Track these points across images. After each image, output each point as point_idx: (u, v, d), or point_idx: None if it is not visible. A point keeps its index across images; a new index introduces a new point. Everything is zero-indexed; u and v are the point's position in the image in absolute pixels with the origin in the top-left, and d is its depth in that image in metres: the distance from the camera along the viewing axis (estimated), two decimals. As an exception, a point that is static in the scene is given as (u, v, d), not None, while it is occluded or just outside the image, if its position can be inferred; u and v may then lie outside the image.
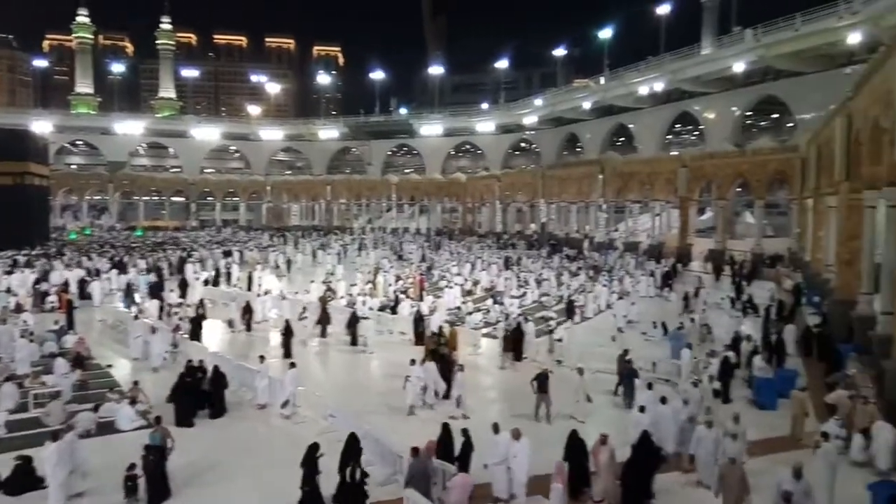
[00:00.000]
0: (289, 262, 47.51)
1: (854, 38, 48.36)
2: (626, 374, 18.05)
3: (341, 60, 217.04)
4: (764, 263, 42.91)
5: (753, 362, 19.56)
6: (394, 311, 28.90)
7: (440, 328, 23.67)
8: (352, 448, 11.87)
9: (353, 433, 12.23)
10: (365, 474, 11.77)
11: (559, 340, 23.62)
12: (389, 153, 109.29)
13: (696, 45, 69.55)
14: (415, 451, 11.74)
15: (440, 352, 20.00)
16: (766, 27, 57.42)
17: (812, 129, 40.31)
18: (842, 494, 11.90)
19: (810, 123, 48.58)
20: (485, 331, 26.49)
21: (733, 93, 66.09)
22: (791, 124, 62.03)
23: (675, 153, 63.50)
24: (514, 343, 22.72)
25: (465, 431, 12.94)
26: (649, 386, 16.25)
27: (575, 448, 12.40)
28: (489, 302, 31.31)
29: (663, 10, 77.10)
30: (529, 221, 74.01)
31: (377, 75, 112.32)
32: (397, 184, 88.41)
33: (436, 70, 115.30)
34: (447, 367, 18.25)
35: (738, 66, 60.52)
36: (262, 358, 18.39)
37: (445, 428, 13.08)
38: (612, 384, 18.83)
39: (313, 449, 11.96)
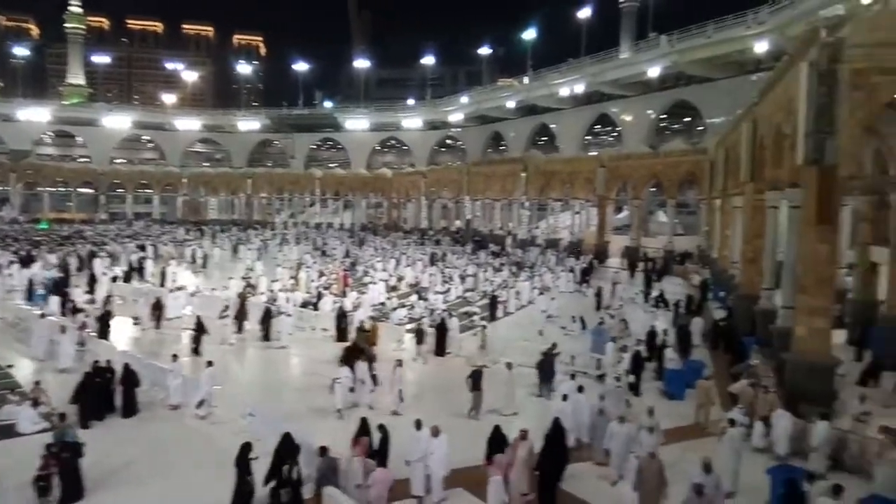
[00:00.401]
0: (205, 258, 45.87)
1: (761, 47, 51.28)
2: (545, 365, 18.63)
3: (263, 50, 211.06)
4: (675, 260, 44.89)
5: (665, 354, 20.47)
6: (315, 307, 28.45)
7: (361, 323, 23.52)
8: (288, 447, 11.61)
9: (287, 433, 11.91)
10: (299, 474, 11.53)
11: (474, 335, 23.92)
12: (313, 147, 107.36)
13: (615, 49, 71.96)
14: (322, 449, 11.60)
15: (359, 346, 19.97)
16: (681, 34, 60.00)
17: (721, 133, 42.44)
18: (744, 479, 12.62)
19: (719, 127, 51.12)
20: (409, 326, 26.44)
21: (649, 96, 68.76)
22: (701, 128, 65.17)
23: (595, 153, 65.47)
24: (437, 338, 22.91)
25: (381, 427, 12.85)
26: (572, 376, 17.01)
27: (497, 443, 12.55)
28: (413, 298, 31.31)
29: (584, 13, 79.23)
30: (454, 218, 74.51)
31: (301, 67, 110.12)
32: (321, 178, 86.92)
33: (361, 64, 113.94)
34: (370, 363, 18.30)
35: (654, 71, 63.02)
36: (175, 357, 17.67)
37: (363, 423, 12.98)
38: (536, 378, 19.22)
39: (246, 448, 11.61)
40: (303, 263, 41.41)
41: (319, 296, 29.88)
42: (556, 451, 12.45)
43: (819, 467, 12.82)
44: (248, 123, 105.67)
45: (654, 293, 33.29)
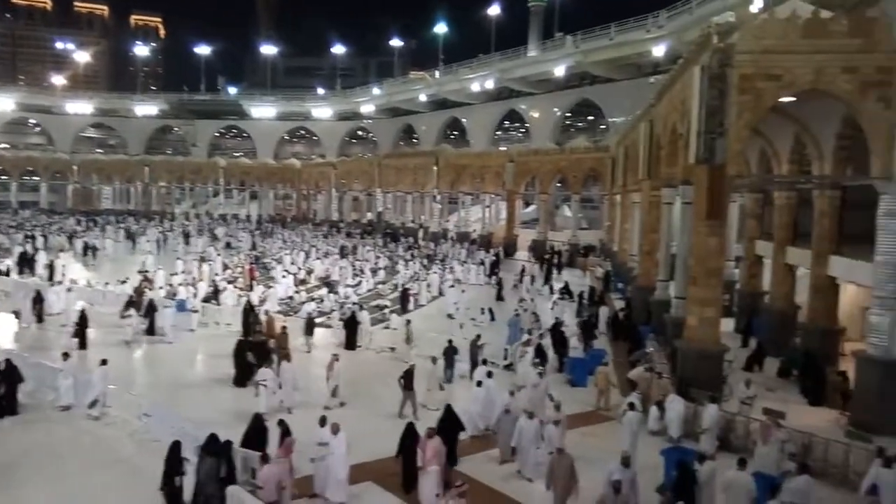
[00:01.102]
0: (94, 250, 43.24)
1: (659, 51, 53.86)
2: (448, 352, 19.17)
3: (162, 32, 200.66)
4: (579, 253, 46.63)
5: (571, 343, 21.22)
6: (216, 301, 27.50)
7: (256, 315, 22.84)
8: (176, 456, 11.13)
9: (176, 441, 11.42)
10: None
11: (389, 328, 23.92)
12: (217, 135, 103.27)
13: (524, 47, 73.49)
14: (203, 449, 11.05)
15: (256, 339, 19.77)
16: (585, 35, 62.07)
17: (621, 132, 44.35)
18: (641, 460, 13.27)
19: (620, 126, 53.37)
20: (318, 320, 26.06)
21: (555, 94, 70.82)
22: (604, 126, 67.86)
23: (504, 148, 66.74)
24: (347, 332, 22.74)
25: (281, 422, 12.58)
26: (484, 361, 18.06)
27: (409, 441, 12.49)
28: (323, 291, 30.85)
29: (494, 11, 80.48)
30: (366, 210, 73.93)
31: (203, 51, 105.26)
32: (226, 167, 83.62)
33: (268, 50, 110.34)
34: (264, 355, 18.38)
35: (560, 70, 64.93)
36: (65, 355, 16.54)
37: (257, 418, 12.74)
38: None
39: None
40: (205, 257, 39.82)
41: (217, 290, 28.89)
42: (448, 432, 12.80)
43: (708, 448, 13.69)
44: (146, 108, 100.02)
45: (557, 285, 34.40)
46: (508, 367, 19.90)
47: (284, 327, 20.72)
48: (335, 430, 11.96)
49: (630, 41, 57.09)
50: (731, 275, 28.60)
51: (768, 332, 22.92)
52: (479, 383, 15.66)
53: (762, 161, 25.70)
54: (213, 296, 28.21)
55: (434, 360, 17.81)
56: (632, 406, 14.41)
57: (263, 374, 16.21)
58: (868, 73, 15.48)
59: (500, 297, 32.56)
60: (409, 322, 23.16)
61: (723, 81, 16.22)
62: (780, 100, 16.95)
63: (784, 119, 20.37)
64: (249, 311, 24.14)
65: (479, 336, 20.64)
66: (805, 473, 11.09)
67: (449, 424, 13.23)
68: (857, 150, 18.25)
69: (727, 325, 22.94)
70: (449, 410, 13.58)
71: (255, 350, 18.75)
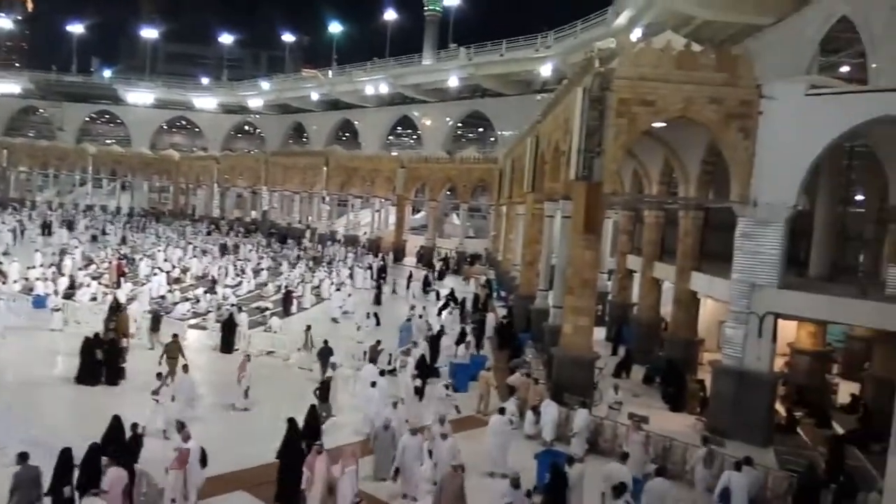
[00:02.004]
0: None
1: (546, 70, 56.18)
2: (323, 352, 19.28)
3: (30, 4, 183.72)
4: (466, 261, 47.57)
5: (457, 351, 21.45)
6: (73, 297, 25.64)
7: (111, 310, 21.70)
8: (66, 465, 10.32)
9: (67, 448, 10.51)
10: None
11: (271, 331, 23.20)
12: (87, 119, 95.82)
13: (419, 54, 74.11)
14: (22, 456, 10.12)
15: (107, 337, 18.86)
16: (478, 48, 63.57)
17: (509, 145, 45.77)
18: (517, 464, 13.66)
19: (508, 139, 55.09)
20: (192, 321, 24.85)
21: (448, 104, 71.97)
22: (493, 138, 69.74)
23: (396, 154, 66.86)
24: (224, 334, 21.84)
25: (134, 426, 11.93)
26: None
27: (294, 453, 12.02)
28: (199, 291, 29.40)
29: (390, 16, 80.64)
30: (250, 208, 71.34)
31: (75, 28, 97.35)
32: (95, 155, 77.48)
33: (149, 33, 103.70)
34: (116, 355, 17.94)
35: (453, 81, 66.08)
36: None
37: (116, 420, 12.02)
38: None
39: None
40: (66, 250, 36.81)
41: (73, 285, 26.95)
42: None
43: (578, 451, 14.36)
44: (6, 86, 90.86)
45: (443, 291, 34.81)
46: (392, 371, 19.89)
47: (176, 336, 19.17)
48: (186, 437, 11.39)
49: (519, 58, 59.12)
50: (605, 286, 30.23)
51: (636, 341, 24.44)
52: (373, 383, 15.65)
53: (635, 181, 27.42)
54: (70, 290, 26.17)
55: (333, 366, 17.72)
56: (501, 411, 14.73)
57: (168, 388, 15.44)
58: (731, 105, 16.94)
59: (377, 301, 32.47)
60: (308, 328, 22.43)
61: (602, 104, 17.15)
62: (653, 125, 18.18)
63: (656, 143, 21.86)
64: (115, 310, 22.60)
65: (379, 341, 20.77)
66: (662, 476, 11.88)
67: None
68: (719, 175, 19.93)
69: (599, 333, 24.21)
70: (311, 409, 13.78)
71: (106, 348, 17.88)
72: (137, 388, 16.75)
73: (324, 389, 15.99)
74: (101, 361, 17.52)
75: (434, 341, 21.86)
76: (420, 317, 25.83)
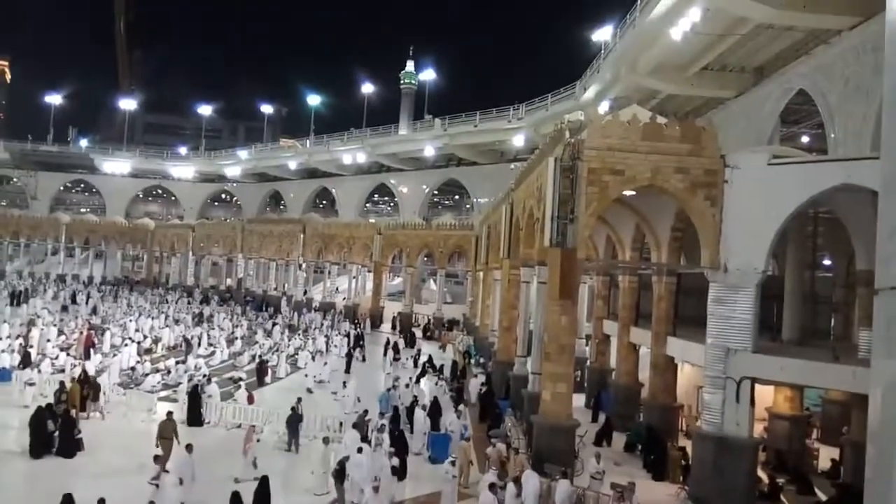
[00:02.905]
0: None
1: (518, 140, 57.84)
2: (293, 420, 19.25)
3: (8, 75, 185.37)
4: (444, 327, 47.36)
5: (442, 422, 20.84)
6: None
7: (61, 383, 20.98)
8: None
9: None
10: None
11: (235, 402, 22.51)
12: (62, 188, 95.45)
13: (395, 124, 75.95)
14: None
15: (59, 409, 18.42)
16: (452, 119, 65.40)
17: (485, 212, 46.45)
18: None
19: (484, 207, 55.96)
20: (163, 393, 24.17)
21: (424, 172, 73.32)
22: (469, 205, 70.81)
23: (373, 221, 67.40)
24: (190, 405, 21.22)
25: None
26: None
27: None
28: (170, 362, 28.70)
29: (367, 88, 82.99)
30: (225, 276, 70.69)
31: (53, 99, 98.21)
32: (69, 224, 76.80)
33: (127, 104, 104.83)
34: (70, 426, 17.55)
35: (429, 150, 67.61)
36: None
37: (66, 499, 11.93)
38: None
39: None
40: (34, 321, 35.92)
41: (27, 355, 26.18)
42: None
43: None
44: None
45: (422, 359, 34.41)
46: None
47: (170, 413, 18.21)
48: None
49: (492, 129, 60.86)
50: (583, 352, 30.20)
51: (615, 408, 24.25)
52: (360, 449, 15.74)
53: (609, 247, 27.88)
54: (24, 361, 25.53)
55: (326, 440, 17.25)
56: (492, 487, 14.34)
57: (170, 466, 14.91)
58: (697, 174, 17.51)
59: (347, 370, 31.77)
60: (299, 400, 21.02)
61: (574, 173, 17.63)
62: (624, 192, 18.68)
63: (627, 210, 22.39)
64: (84, 382, 21.95)
65: (366, 411, 20.64)
66: None
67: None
68: (689, 241, 20.38)
69: (579, 400, 24.00)
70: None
71: (58, 420, 17.57)
72: (97, 460, 16.81)
73: (340, 471, 15.23)
74: (52, 432, 17.21)
75: (410, 413, 21.40)
76: (407, 386, 25.33)
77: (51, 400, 19.82)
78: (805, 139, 35.53)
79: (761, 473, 18.27)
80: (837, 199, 17.10)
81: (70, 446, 17.27)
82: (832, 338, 22.52)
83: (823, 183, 15.98)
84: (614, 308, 27.51)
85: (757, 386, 16.91)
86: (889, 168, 3.26)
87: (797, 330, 20.75)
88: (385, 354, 35.39)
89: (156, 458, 15.69)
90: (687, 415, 23.16)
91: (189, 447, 15.22)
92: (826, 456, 20.94)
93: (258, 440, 18.17)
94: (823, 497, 17.48)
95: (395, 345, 37.72)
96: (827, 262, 28.63)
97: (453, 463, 15.83)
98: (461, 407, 22.46)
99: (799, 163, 17.66)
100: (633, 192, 19.18)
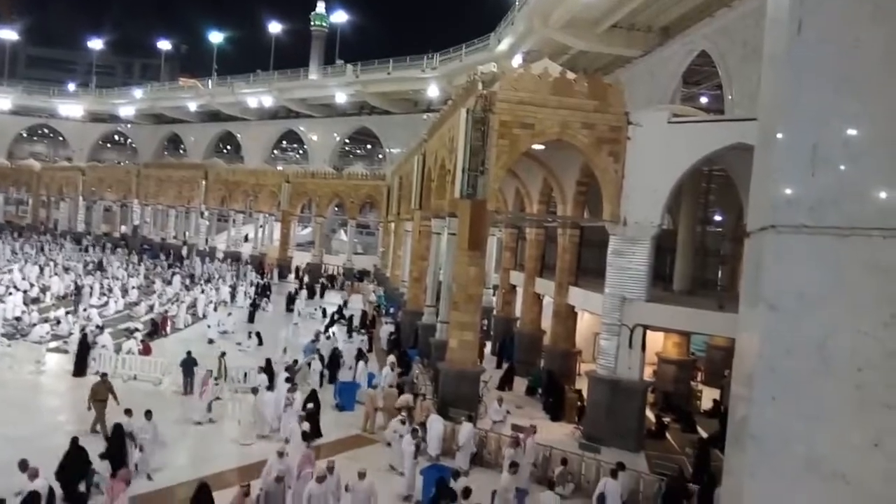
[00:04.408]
0: None
1: (432, 91, 57.20)
2: (187, 364, 19.41)
3: None
4: (354, 278, 47.16)
5: (358, 367, 21.17)
6: None
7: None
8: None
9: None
10: None
11: (128, 353, 21.70)
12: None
13: (305, 69, 72.98)
14: None
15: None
16: (365, 66, 63.63)
17: (397, 163, 46.06)
18: (400, 480, 13.63)
19: (396, 157, 55.46)
20: (53, 344, 22.87)
21: (335, 120, 71.32)
22: (381, 155, 69.88)
23: (281, 168, 65.28)
24: (78, 355, 20.43)
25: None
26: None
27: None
28: (60, 312, 27.09)
29: (275, 28, 78.94)
30: (119, 223, 66.83)
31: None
32: (-60, 164, 70.05)
33: (7, 34, 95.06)
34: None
35: (340, 97, 65.64)
36: None
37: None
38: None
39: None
40: None
41: None
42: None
43: (463, 464, 14.54)
44: None
45: (330, 309, 34.25)
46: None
47: (104, 375, 16.91)
48: (33, 475, 10.44)
49: (406, 77, 59.76)
50: (490, 302, 30.98)
51: (519, 355, 25.19)
52: (269, 388, 16.98)
53: (517, 199, 28.43)
54: None
55: (255, 391, 17.20)
56: (415, 431, 14.59)
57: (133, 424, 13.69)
58: (602, 130, 18.02)
59: (251, 320, 31.49)
60: (223, 354, 20.76)
61: (485, 125, 17.69)
62: (533, 146, 18.99)
63: (536, 164, 22.83)
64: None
65: (296, 360, 21.02)
66: (550, 490, 12.27)
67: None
68: (593, 195, 21.09)
69: (486, 348, 24.75)
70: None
71: None
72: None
73: (314, 423, 15.63)
74: None
75: (333, 357, 21.75)
76: (328, 338, 25.21)
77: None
78: (704, 100, 37.25)
79: (650, 413, 19.64)
80: (730, 157, 18.12)
81: None
82: (719, 288, 24.16)
83: (718, 142, 16.83)
84: (521, 259, 28.28)
85: (648, 332, 18.01)
86: (765, 120, 3.47)
87: (688, 281, 22.11)
88: (293, 305, 34.94)
89: (95, 424, 15.20)
90: (584, 360, 24.41)
91: (148, 413, 13.99)
92: (709, 397, 22.74)
93: (216, 384, 18.14)
94: (705, 434, 19.01)
95: (289, 294, 37.37)
96: (718, 217, 30.48)
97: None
98: (369, 355, 22.67)
99: (697, 122, 18.55)
100: (542, 146, 19.53)
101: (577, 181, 21.94)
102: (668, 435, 19.09)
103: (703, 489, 13.08)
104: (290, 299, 36.34)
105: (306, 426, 15.14)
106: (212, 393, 17.30)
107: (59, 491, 11.01)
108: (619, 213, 17.90)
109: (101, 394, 15.81)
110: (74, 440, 12.37)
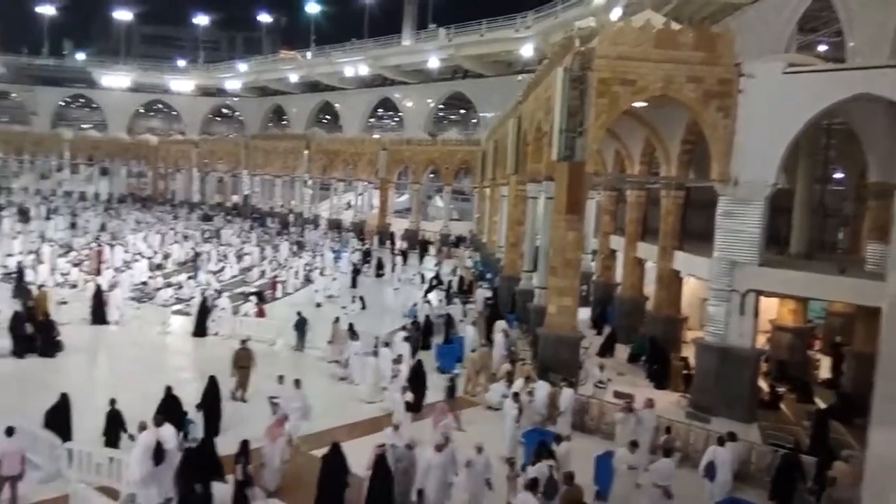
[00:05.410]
0: None
1: (527, 50, 55.79)
2: (299, 325, 21.13)
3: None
4: (450, 244, 47.62)
5: (467, 331, 21.44)
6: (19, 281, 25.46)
7: (28, 290, 22.81)
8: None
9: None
10: None
11: (245, 315, 23.15)
12: (62, 104, 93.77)
13: (398, 35, 73.19)
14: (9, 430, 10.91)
15: (37, 311, 19.84)
16: (458, 29, 62.94)
17: (491, 127, 45.62)
18: (502, 444, 13.81)
19: (490, 121, 54.87)
20: (176, 307, 24.71)
21: (428, 86, 71.28)
22: (475, 120, 69.40)
23: (377, 136, 66.39)
24: (199, 318, 22.06)
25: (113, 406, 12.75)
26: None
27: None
28: (181, 277, 29.16)
29: (369, -5, 79.35)
30: (231, 193, 70.61)
31: (46, 10, 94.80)
32: (72, 140, 76.23)
33: (122, 15, 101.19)
34: (47, 332, 18.90)
35: (433, 62, 65.40)
36: None
37: (63, 397, 12.74)
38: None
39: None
40: (47, 236, 36.32)
41: (21, 273, 26.25)
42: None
43: (565, 430, 14.51)
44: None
45: (428, 274, 34.82)
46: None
47: (245, 342, 17.35)
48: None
49: (500, 39, 58.57)
50: (589, 267, 30.40)
51: (620, 321, 24.66)
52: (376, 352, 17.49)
53: (617, 161, 27.50)
54: (18, 275, 26.02)
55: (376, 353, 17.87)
56: (516, 396, 14.66)
57: (283, 392, 14.18)
58: (711, 83, 16.97)
59: (354, 285, 32.48)
60: (337, 319, 21.10)
61: (583, 84, 17.11)
62: (634, 104, 18.19)
63: (637, 123, 21.90)
64: (98, 297, 22.55)
65: (415, 320, 22.52)
66: (669, 457, 12.05)
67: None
68: (700, 154, 20.04)
69: (584, 313, 24.38)
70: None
71: (34, 322, 19.16)
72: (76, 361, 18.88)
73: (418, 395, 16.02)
74: (31, 335, 18.68)
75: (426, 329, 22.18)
76: (427, 303, 25.51)
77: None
78: (822, 48, 34.21)
79: (762, 383, 18.76)
80: (853, 109, 16.66)
81: (50, 347, 18.76)
82: (840, 251, 22.51)
83: (840, 93, 15.54)
84: (621, 223, 27.44)
85: (761, 299, 17.08)
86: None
87: (805, 243, 20.72)
88: (392, 270, 35.80)
89: (234, 394, 15.97)
90: (690, 327, 23.55)
91: (297, 382, 14.27)
92: (827, 366, 21.41)
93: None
94: (823, 405, 17.97)
95: (380, 261, 38.25)
96: (838, 174, 28.20)
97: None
98: (466, 319, 22.97)
99: (816, 72, 17.10)
100: (644, 104, 18.69)
101: (682, 139, 20.91)
102: (782, 405, 18.20)
103: (820, 462, 12.42)
104: (380, 265, 37.33)
105: (409, 396, 15.23)
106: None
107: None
108: (729, 173, 16.93)
109: (243, 360, 16.35)
110: (168, 389, 13.35)
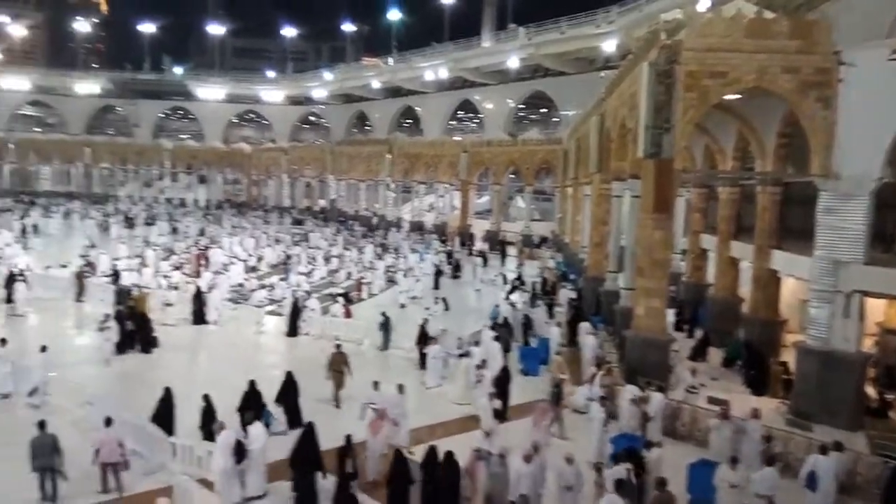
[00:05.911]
0: (34, 227, 41.74)
1: (609, 46, 54.65)
2: (384, 326, 21.79)
3: (104, 6, 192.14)
4: (532, 244, 47.31)
5: (552, 333, 21.52)
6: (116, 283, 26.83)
7: (128, 292, 24.07)
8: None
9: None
10: None
11: (334, 316, 23.85)
12: (162, 116, 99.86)
13: (477, 37, 73.41)
14: (40, 424, 11.54)
15: (136, 311, 21.13)
16: (537, 27, 62.42)
17: (573, 125, 44.96)
18: (589, 448, 13.60)
19: (572, 119, 54.10)
20: (269, 308, 25.79)
21: (508, 86, 71.07)
22: (556, 119, 68.59)
23: (458, 138, 66.85)
24: (291, 318, 22.91)
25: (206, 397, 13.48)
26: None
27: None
28: (274, 279, 30.42)
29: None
30: (318, 197, 73.04)
31: (147, 28, 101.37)
32: (172, 150, 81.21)
33: (216, 30, 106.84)
34: (145, 330, 20.24)
35: (513, 62, 65.14)
36: (3, 341, 15.92)
37: (167, 392, 13.50)
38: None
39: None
40: (150, 241, 38.77)
41: (116, 274, 27.87)
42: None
43: (655, 435, 14.13)
44: (87, 86, 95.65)
45: (510, 275, 34.75)
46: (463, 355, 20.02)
47: (339, 345, 17.56)
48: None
49: (581, 35, 57.69)
50: (678, 267, 29.41)
51: (712, 323, 23.69)
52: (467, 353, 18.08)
53: (707, 157, 26.46)
54: (114, 276, 27.65)
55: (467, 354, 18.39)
56: (604, 399, 14.57)
57: (377, 397, 14.38)
58: (808, 73, 16.06)
59: (436, 286, 32.76)
60: (426, 321, 21.30)
61: (670, 78, 16.58)
62: (725, 97, 17.47)
63: (728, 116, 21.01)
64: (198, 299, 23.84)
65: (506, 319, 22.99)
66: (771, 466, 11.57)
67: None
68: (798, 147, 19.00)
69: (674, 315, 23.60)
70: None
71: (134, 319, 20.52)
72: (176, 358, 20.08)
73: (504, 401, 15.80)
74: (132, 332, 20.01)
75: (505, 326, 22.16)
76: (512, 305, 25.34)
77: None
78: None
79: (870, 389, 17.58)
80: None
81: (147, 344, 20.17)
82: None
83: (955, 78, 14.32)
84: (712, 221, 26.37)
85: (867, 300, 16.02)
86: None
87: (916, 241, 19.23)
88: (474, 272, 35.99)
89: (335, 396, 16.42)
90: (789, 330, 22.34)
91: (401, 388, 14.52)
92: (942, 373, 19.78)
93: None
94: (938, 414, 16.67)
95: (458, 263, 38.63)
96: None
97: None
98: (551, 321, 22.76)
99: (927, 56, 15.83)
100: (736, 96, 17.92)
101: (778, 132, 19.89)
102: (892, 413, 16.98)
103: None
104: (457, 267, 37.57)
105: (497, 403, 15.09)
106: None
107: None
108: (830, 167, 15.96)
109: (337, 364, 16.63)
110: (252, 383, 14.18)
